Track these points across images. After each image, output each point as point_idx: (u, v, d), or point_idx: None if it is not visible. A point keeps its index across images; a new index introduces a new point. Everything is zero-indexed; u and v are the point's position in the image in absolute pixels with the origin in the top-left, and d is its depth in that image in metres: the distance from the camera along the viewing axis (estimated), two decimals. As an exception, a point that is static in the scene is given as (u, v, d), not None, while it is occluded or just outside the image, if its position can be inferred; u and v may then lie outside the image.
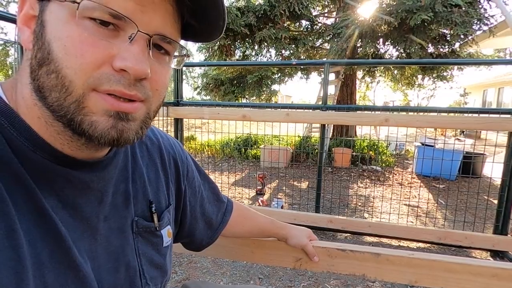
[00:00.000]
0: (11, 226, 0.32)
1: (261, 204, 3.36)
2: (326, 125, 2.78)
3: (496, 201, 2.49)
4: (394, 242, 2.57)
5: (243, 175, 4.94)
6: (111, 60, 0.32)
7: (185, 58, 0.42)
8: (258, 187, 3.88)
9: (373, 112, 2.64)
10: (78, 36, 0.31)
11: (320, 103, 4.76)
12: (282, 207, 3.24)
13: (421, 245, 2.51)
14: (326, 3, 7.05)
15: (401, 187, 4.37)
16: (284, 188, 4.25)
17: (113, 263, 0.44)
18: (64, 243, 0.36)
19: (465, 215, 2.91)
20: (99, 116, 0.33)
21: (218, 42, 6.20)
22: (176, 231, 0.63)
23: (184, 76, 2.82)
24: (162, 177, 0.55)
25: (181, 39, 0.40)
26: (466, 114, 2.42)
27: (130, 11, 0.32)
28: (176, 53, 0.40)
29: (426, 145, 4.82)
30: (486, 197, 3.71)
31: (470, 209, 3.19)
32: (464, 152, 4.17)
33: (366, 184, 4.44)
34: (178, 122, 2.86)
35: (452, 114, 2.48)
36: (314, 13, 6.94)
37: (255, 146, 6.19)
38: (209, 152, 5.83)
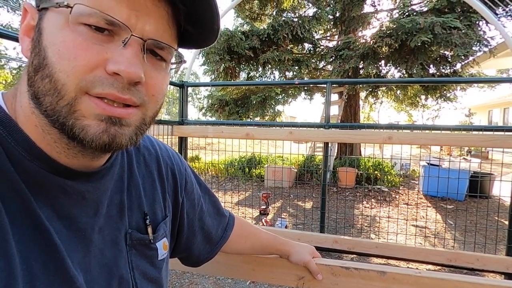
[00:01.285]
0: (3, 236, 0.31)
1: (265, 223, 3.30)
2: (330, 143, 2.77)
3: (507, 222, 2.42)
4: (403, 264, 2.48)
5: (247, 194, 4.90)
6: (104, 64, 0.32)
7: (182, 64, 0.42)
8: (262, 207, 3.83)
9: (376, 130, 2.64)
10: (72, 41, 0.31)
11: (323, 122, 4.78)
12: (286, 227, 3.17)
13: (431, 267, 2.42)
14: (328, 27, 7.28)
15: (408, 207, 4.28)
16: (288, 208, 4.18)
17: (106, 276, 0.43)
18: (58, 254, 0.36)
19: (476, 236, 2.82)
20: (90, 120, 0.33)
21: (223, 64, 6.38)
22: (172, 245, 0.61)
23: (189, 98, 2.88)
24: (159, 189, 0.54)
25: (178, 47, 0.41)
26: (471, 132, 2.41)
27: (125, 17, 0.32)
28: (173, 60, 0.40)
29: (432, 164, 4.76)
30: (496, 218, 3.60)
31: (481, 230, 3.09)
32: (472, 172, 4.10)
33: (372, 204, 4.36)
34: (182, 141, 2.89)
35: (456, 132, 2.48)
36: (317, 36, 7.15)
37: (259, 165, 6.18)
38: (213, 172, 5.82)
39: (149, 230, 0.49)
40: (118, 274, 0.44)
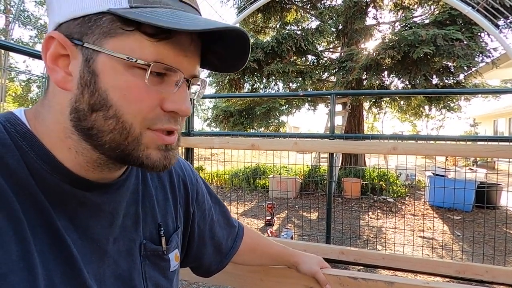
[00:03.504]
0: (27, 248, 0.33)
1: (270, 234, 3.29)
2: (335, 154, 2.79)
3: (515, 232, 2.39)
4: (410, 276, 2.45)
5: (251, 205, 4.89)
6: (161, 103, 0.37)
7: (204, 89, 0.46)
8: (267, 218, 3.82)
9: (381, 141, 2.65)
10: (136, 86, 0.35)
11: (328, 133, 4.80)
12: (291, 238, 3.16)
13: (439, 279, 2.39)
14: (331, 39, 7.39)
15: (415, 218, 4.24)
16: (293, 218, 4.17)
17: (120, 287, 0.43)
18: (75, 264, 0.37)
19: (484, 247, 2.78)
20: (152, 149, 0.38)
21: (228, 76, 6.48)
22: (183, 255, 0.62)
23: (194, 109, 2.94)
24: (171, 200, 0.55)
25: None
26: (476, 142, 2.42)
27: (179, 63, 0.36)
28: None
29: (437, 175, 4.73)
30: (505, 229, 3.55)
31: (489, 241, 3.05)
32: (478, 182, 4.07)
33: (377, 215, 4.33)
34: (188, 152, 2.93)
35: (461, 142, 2.48)
36: (320, 49, 7.26)
37: (264, 176, 6.18)
38: (218, 183, 5.83)
39: (163, 241, 0.50)
40: (132, 285, 0.45)
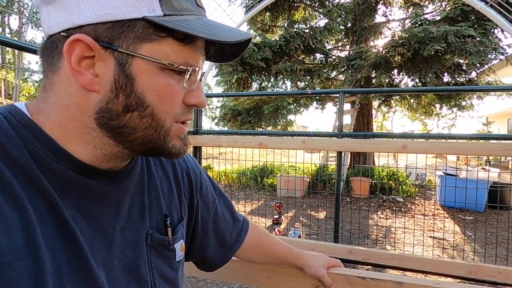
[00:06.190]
0: (33, 236, 0.33)
1: (277, 233, 3.29)
2: (343, 152, 2.77)
3: (529, 233, 2.33)
4: (420, 277, 2.41)
5: (259, 204, 4.90)
6: (184, 98, 0.41)
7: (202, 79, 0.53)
8: (275, 216, 3.82)
9: (390, 139, 2.62)
10: (168, 86, 0.38)
11: (336, 132, 4.77)
12: (299, 237, 3.15)
13: (450, 280, 2.34)
14: (339, 37, 7.33)
15: (425, 218, 4.17)
16: (301, 217, 4.16)
17: (127, 275, 0.44)
18: (82, 253, 0.37)
19: (497, 248, 2.72)
20: (175, 139, 0.42)
21: (236, 75, 6.49)
22: (187, 247, 0.61)
23: (202, 108, 2.96)
24: (175, 191, 0.56)
25: None
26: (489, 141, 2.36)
27: (198, 62, 0.41)
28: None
29: (448, 174, 4.65)
30: (519, 230, 3.46)
31: (502, 242, 2.98)
32: (491, 182, 3.98)
33: (386, 215, 4.28)
34: (196, 150, 2.95)
35: (473, 141, 2.43)
36: (328, 47, 7.21)
37: (271, 175, 6.18)
38: (225, 181, 5.86)
39: (169, 231, 0.51)
40: (138, 274, 0.45)
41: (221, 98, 8.53)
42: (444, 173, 4.85)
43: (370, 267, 2.55)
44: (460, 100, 6.22)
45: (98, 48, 0.35)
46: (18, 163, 0.34)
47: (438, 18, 5.73)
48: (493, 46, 4.76)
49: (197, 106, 0.43)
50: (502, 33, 5.00)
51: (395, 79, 5.96)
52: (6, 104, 0.40)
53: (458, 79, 5.44)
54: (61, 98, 0.37)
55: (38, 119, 0.38)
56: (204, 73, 0.46)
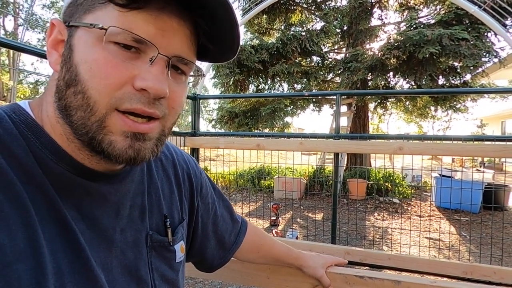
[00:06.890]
0: (34, 236, 0.32)
1: (275, 235, 3.29)
2: (340, 154, 2.79)
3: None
4: (416, 276, 2.43)
5: (257, 205, 4.90)
6: (132, 81, 0.34)
7: (201, 78, 0.45)
8: (272, 218, 3.83)
9: (386, 141, 2.64)
10: (103, 59, 0.33)
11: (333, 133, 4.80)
12: (297, 238, 3.16)
13: (446, 279, 2.37)
14: (335, 40, 7.38)
15: (421, 219, 4.20)
16: (298, 219, 4.17)
17: (127, 277, 0.43)
18: (83, 253, 0.37)
19: (492, 248, 2.75)
20: (117, 136, 0.35)
21: (233, 77, 6.51)
22: (187, 248, 0.61)
23: (199, 110, 2.97)
24: (176, 192, 0.55)
25: (196, 60, 0.42)
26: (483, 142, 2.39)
27: (152, 35, 0.34)
28: (191, 73, 0.42)
29: (444, 176, 4.69)
30: (513, 231, 3.51)
31: (497, 243, 3.02)
32: (485, 183, 4.03)
33: (383, 216, 4.31)
34: (194, 152, 2.96)
35: (468, 142, 2.46)
36: (325, 49, 7.25)
37: (268, 177, 6.19)
38: (223, 183, 5.85)
39: (169, 232, 0.50)
40: (138, 275, 0.45)
41: (218, 100, 8.53)
42: (440, 175, 4.89)
43: (368, 267, 2.56)
44: (454, 103, 6.29)
45: (63, 29, 0.36)
46: (21, 163, 0.34)
47: (432, 21, 5.81)
48: (486, 49, 4.83)
49: (148, 93, 0.35)
50: (495, 36, 5.08)
51: (391, 82, 6.02)
52: (10, 103, 0.39)
53: (452, 81, 5.50)
54: (50, 92, 0.37)
55: (40, 116, 0.38)
56: (174, 57, 0.36)
